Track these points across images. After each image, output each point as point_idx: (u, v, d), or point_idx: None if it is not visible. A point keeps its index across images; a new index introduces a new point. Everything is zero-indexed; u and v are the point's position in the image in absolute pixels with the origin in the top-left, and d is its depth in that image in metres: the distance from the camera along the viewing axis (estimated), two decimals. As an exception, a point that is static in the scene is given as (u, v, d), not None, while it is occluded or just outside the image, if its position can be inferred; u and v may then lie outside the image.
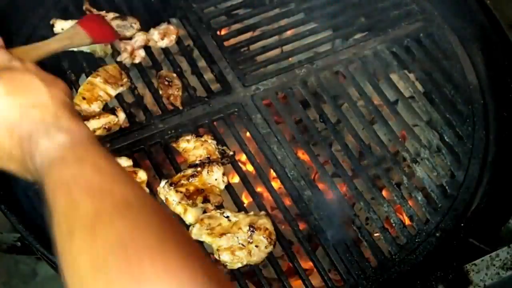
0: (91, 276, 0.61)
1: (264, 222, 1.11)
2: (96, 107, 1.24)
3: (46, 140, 0.76)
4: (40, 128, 0.77)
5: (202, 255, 0.66)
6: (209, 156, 1.19)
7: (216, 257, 1.09)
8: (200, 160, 1.19)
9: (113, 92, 1.27)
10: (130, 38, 1.34)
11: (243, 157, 1.31)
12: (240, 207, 1.17)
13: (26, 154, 0.77)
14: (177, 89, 1.32)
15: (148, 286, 0.58)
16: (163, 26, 1.38)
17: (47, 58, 1.33)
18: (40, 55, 1.04)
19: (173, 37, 1.37)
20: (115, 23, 1.35)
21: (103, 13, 1.38)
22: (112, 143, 1.23)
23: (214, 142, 1.22)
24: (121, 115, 1.25)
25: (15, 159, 0.80)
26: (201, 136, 1.23)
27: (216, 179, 1.16)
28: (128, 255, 0.60)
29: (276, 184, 1.24)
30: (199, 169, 1.16)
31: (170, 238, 0.64)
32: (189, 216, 1.14)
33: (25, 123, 0.78)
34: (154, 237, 0.63)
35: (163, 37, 1.36)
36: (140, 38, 1.34)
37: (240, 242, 1.09)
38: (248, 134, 1.30)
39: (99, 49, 1.34)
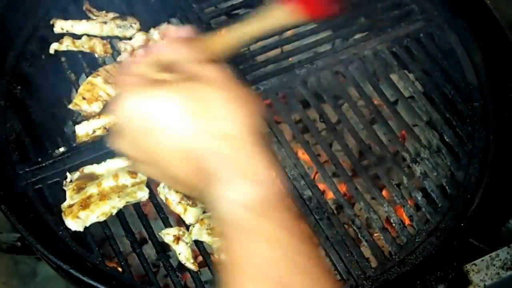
0: None
1: (264, 222, 1.11)
2: (96, 107, 1.24)
3: (229, 191, 0.63)
4: (225, 172, 0.64)
5: None
6: (209, 156, 1.19)
7: (217, 257, 1.09)
8: (200, 160, 1.18)
9: (113, 92, 1.27)
10: (130, 38, 1.34)
11: (243, 157, 1.31)
12: (240, 207, 1.17)
13: (202, 193, 0.66)
14: (177, 89, 1.32)
15: None
16: (163, 26, 1.38)
17: (47, 58, 1.35)
18: (238, 40, 0.86)
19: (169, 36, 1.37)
20: (115, 23, 1.36)
21: (103, 13, 1.38)
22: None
23: (214, 142, 1.22)
24: (121, 115, 1.25)
25: (187, 184, 0.69)
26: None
27: (216, 179, 1.16)
28: None
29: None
30: (199, 169, 1.16)
31: None
32: (189, 216, 1.14)
33: (207, 159, 0.65)
34: None
35: (163, 37, 1.36)
36: (140, 38, 1.34)
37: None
38: (248, 134, 1.30)
39: (99, 49, 1.34)
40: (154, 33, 1.36)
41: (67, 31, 1.35)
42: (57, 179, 1.19)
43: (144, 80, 0.70)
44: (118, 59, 1.33)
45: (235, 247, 0.62)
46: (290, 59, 1.43)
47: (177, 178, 0.69)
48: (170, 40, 0.78)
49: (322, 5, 0.92)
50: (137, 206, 1.17)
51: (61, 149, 1.22)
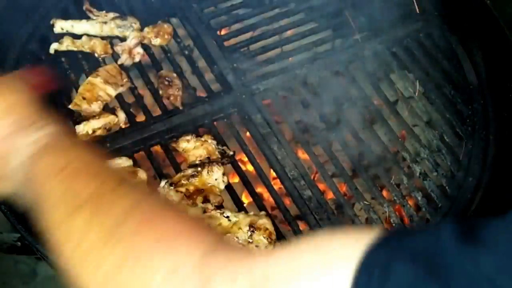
0: (104, 244, 0.61)
1: (264, 222, 1.11)
2: (96, 107, 1.24)
3: (30, 135, 0.74)
4: (23, 123, 0.75)
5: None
6: (209, 156, 1.19)
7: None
8: (200, 160, 1.19)
9: (113, 92, 1.27)
10: (125, 39, 1.35)
11: (243, 157, 1.31)
12: (240, 207, 1.17)
13: (7, 153, 0.75)
14: (177, 89, 1.32)
15: (171, 247, 0.59)
16: (157, 24, 1.38)
17: (47, 58, 1.35)
18: None
19: (168, 35, 1.37)
20: (115, 23, 1.36)
21: (103, 13, 1.39)
22: (112, 143, 1.23)
23: (214, 142, 1.22)
24: (121, 115, 1.25)
25: None
26: (201, 136, 1.23)
27: (216, 179, 1.16)
28: (140, 219, 0.62)
29: (276, 184, 1.24)
30: (199, 169, 1.16)
31: (171, 205, 0.66)
32: (189, 216, 1.14)
33: (5, 121, 0.76)
34: (160, 203, 0.65)
35: (157, 35, 1.36)
36: (134, 36, 1.34)
37: (240, 242, 1.09)
38: (248, 134, 1.30)
39: (99, 49, 1.34)
40: (149, 32, 1.36)
41: (67, 31, 1.36)
42: (57, 179, 1.18)
43: None
44: (119, 62, 1.33)
45: None
46: (290, 59, 1.43)
47: None
48: None
49: (39, 82, 0.93)
50: (137, 206, 1.17)
51: (61, 149, 1.21)
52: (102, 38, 1.36)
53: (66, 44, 1.33)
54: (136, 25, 1.37)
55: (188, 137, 1.22)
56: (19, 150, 0.74)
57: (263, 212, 1.15)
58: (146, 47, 1.36)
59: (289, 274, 0.52)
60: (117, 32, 1.36)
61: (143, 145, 1.24)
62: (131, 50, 1.34)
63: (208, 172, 1.16)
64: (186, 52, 1.40)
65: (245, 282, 0.53)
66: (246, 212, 1.15)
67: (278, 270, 0.53)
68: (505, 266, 0.40)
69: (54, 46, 1.33)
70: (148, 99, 1.36)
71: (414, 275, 0.42)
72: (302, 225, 1.19)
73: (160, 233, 0.60)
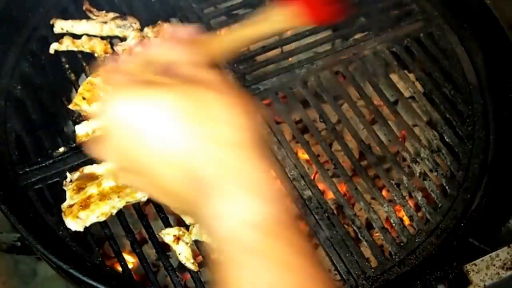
0: None
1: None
2: (96, 107, 1.24)
3: (230, 205, 0.56)
4: (225, 183, 0.57)
5: None
6: (209, 156, 1.19)
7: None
8: (200, 160, 1.18)
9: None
10: (125, 39, 1.35)
11: (243, 157, 1.31)
12: (240, 207, 1.17)
13: (196, 206, 0.59)
14: (177, 89, 1.32)
15: None
16: (157, 24, 1.38)
17: (47, 58, 1.35)
18: (238, 43, 0.83)
19: (167, 35, 1.37)
20: (115, 23, 1.36)
21: (103, 13, 1.38)
22: (112, 143, 1.22)
23: (214, 142, 1.22)
24: (121, 115, 1.25)
25: (179, 197, 0.61)
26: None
27: (216, 179, 1.16)
28: None
29: (276, 184, 1.24)
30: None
31: None
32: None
33: (207, 167, 0.58)
34: None
35: (157, 35, 1.36)
36: (134, 36, 1.34)
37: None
38: (248, 134, 1.30)
39: (99, 49, 1.34)
40: (148, 31, 1.36)
41: (67, 31, 1.36)
42: (57, 179, 1.19)
43: (135, 79, 0.63)
44: (119, 60, 1.33)
45: (241, 270, 0.55)
46: (290, 59, 1.43)
47: (168, 189, 0.61)
48: (167, 39, 0.73)
49: (325, 11, 0.89)
50: (137, 206, 1.17)
51: (61, 149, 1.22)
52: (102, 38, 1.36)
53: (66, 44, 1.33)
54: (136, 25, 1.36)
55: (188, 137, 1.22)
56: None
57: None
58: (146, 47, 1.36)
59: None
60: (117, 32, 1.36)
61: (143, 145, 1.24)
62: (131, 50, 1.33)
63: (208, 172, 1.16)
64: (186, 52, 1.39)
65: None
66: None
67: None
68: None
69: (54, 46, 1.33)
70: (148, 99, 1.36)
71: None
72: (302, 225, 1.19)
73: None
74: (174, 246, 1.13)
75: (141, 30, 1.36)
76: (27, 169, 1.19)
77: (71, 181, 1.16)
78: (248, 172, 0.58)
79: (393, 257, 1.16)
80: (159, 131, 0.59)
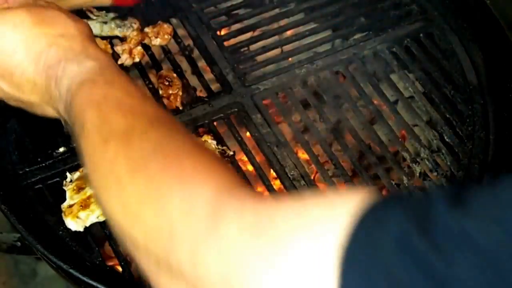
0: (129, 176, 0.62)
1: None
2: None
3: (75, 65, 0.76)
4: (68, 54, 0.78)
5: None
6: (209, 156, 1.19)
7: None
8: (200, 160, 1.18)
9: (113, 92, 1.27)
10: (125, 39, 1.35)
11: (243, 157, 1.31)
12: (240, 207, 1.17)
13: (51, 79, 0.78)
14: (177, 89, 1.32)
15: (190, 182, 0.60)
16: (157, 24, 1.38)
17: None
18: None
19: (167, 35, 1.37)
20: (115, 23, 1.36)
21: (103, 13, 1.38)
22: (112, 143, 1.23)
23: (214, 142, 1.22)
24: (121, 115, 1.25)
25: (38, 88, 0.80)
26: (201, 136, 1.23)
27: (216, 179, 1.16)
28: (166, 156, 0.62)
29: (276, 184, 1.24)
30: (199, 169, 1.16)
31: (202, 145, 0.69)
32: (189, 216, 1.14)
33: (53, 50, 0.79)
34: (189, 143, 0.66)
35: (157, 35, 1.36)
36: (134, 36, 1.34)
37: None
38: (248, 134, 1.30)
39: (99, 49, 1.34)
40: (148, 31, 1.36)
41: (67, 31, 1.35)
42: (57, 179, 1.19)
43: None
44: (119, 62, 1.33)
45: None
46: (290, 59, 1.43)
47: (33, 83, 0.81)
48: None
49: None
50: (137, 206, 1.17)
51: (61, 149, 1.22)
52: (102, 38, 1.36)
53: (66, 44, 1.33)
54: (136, 25, 1.37)
55: (188, 137, 1.22)
56: (67, 76, 0.76)
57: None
58: (146, 47, 1.37)
59: (294, 226, 0.53)
60: (117, 32, 1.36)
61: (143, 145, 1.24)
62: (131, 50, 1.34)
63: (208, 172, 1.16)
64: (186, 52, 1.40)
65: (250, 223, 0.54)
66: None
67: (285, 220, 0.54)
68: (486, 228, 0.44)
69: (54, 46, 1.33)
70: (148, 99, 1.36)
71: (406, 231, 0.46)
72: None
73: (184, 170, 0.61)
74: (174, 246, 1.13)
75: (141, 30, 1.37)
76: (27, 169, 1.19)
77: (71, 181, 1.16)
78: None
79: (393, 257, 1.16)
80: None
